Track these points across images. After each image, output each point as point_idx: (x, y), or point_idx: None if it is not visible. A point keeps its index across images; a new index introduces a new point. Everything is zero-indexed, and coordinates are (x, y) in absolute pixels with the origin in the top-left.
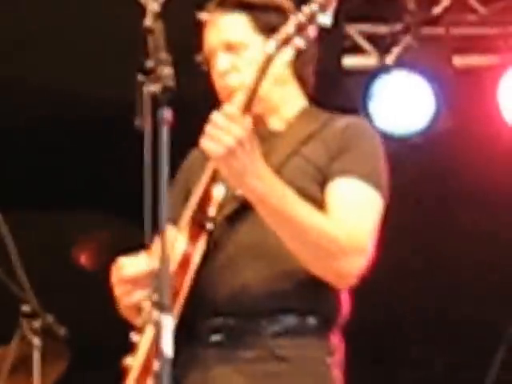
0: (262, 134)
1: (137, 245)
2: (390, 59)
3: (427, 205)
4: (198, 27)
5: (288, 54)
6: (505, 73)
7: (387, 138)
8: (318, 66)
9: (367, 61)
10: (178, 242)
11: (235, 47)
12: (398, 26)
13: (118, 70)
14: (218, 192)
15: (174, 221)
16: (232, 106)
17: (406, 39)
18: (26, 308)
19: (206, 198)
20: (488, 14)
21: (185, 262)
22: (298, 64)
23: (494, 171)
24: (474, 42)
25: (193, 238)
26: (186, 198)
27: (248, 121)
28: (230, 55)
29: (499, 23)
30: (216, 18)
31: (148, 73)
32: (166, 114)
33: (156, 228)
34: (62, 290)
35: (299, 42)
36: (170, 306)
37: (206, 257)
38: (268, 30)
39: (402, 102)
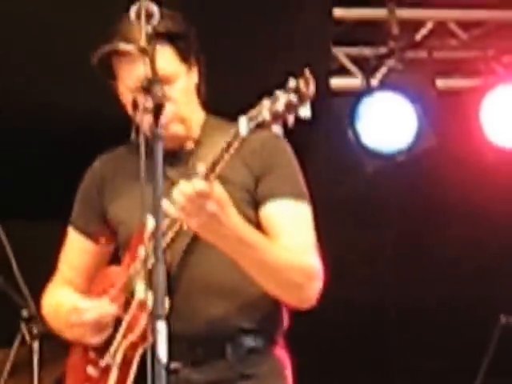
0: (177, 154)
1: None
2: (375, 81)
3: (412, 219)
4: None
5: (195, 77)
6: (486, 94)
7: (374, 155)
8: None
9: (353, 82)
10: (137, 287)
11: (167, 79)
12: (383, 50)
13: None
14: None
15: (77, 225)
16: (200, 182)
17: (391, 62)
18: (25, 313)
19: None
20: (469, 39)
21: (141, 306)
22: (199, 83)
23: (475, 188)
24: (456, 65)
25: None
26: (93, 209)
27: (219, 190)
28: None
29: (480, 47)
30: (144, 50)
31: (143, 91)
32: (161, 130)
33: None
34: None
35: (275, 128)
36: (164, 314)
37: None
38: (186, 58)
39: (387, 122)
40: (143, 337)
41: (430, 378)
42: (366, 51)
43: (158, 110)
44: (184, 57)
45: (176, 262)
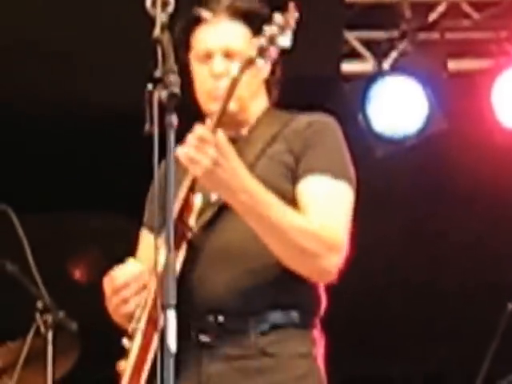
0: (234, 141)
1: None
2: (386, 64)
3: (423, 202)
4: (193, 23)
5: (266, 69)
6: (498, 76)
7: (384, 139)
8: (318, 72)
9: (365, 66)
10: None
11: (233, 55)
12: (395, 33)
13: (127, 78)
14: (197, 201)
15: (151, 228)
16: (202, 128)
17: (403, 45)
18: (40, 304)
19: (185, 208)
20: (481, 20)
21: None
22: (272, 79)
23: (487, 171)
24: (468, 46)
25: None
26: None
27: (221, 138)
28: (227, 61)
29: (492, 28)
30: (219, 21)
31: (156, 81)
32: (173, 119)
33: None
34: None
35: (261, 63)
36: (173, 302)
37: (187, 264)
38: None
39: (398, 106)
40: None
41: (436, 363)
42: (378, 35)
43: (171, 100)
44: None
45: (202, 233)
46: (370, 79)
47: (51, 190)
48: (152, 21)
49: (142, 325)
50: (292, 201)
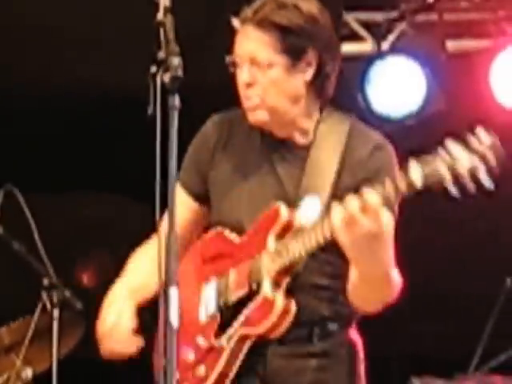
0: (288, 145)
1: (142, 224)
2: (385, 45)
3: None
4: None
5: (307, 74)
6: (496, 56)
7: (383, 120)
8: None
9: (364, 47)
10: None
11: (259, 64)
12: (394, 14)
13: (129, 60)
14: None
15: (185, 184)
16: (375, 198)
17: (401, 26)
18: (46, 281)
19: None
20: (480, 0)
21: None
22: (318, 80)
23: None
24: (467, 27)
25: (277, 281)
26: (200, 172)
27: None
28: (254, 69)
29: (490, 8)
30: (248, 30)
31: (159, 64)
32: (176, 101)
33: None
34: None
35: (453, 190)
36: (175, 279)
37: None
38: (293, 51)
39: (397, 86)
40: (265, 333)
41: (434, 340)
42: (377, 16)
43: (173, 83)
44: (289, 49)
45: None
46: (369, 60)
47: (58, 170)
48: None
49: (232, 345)
50: None
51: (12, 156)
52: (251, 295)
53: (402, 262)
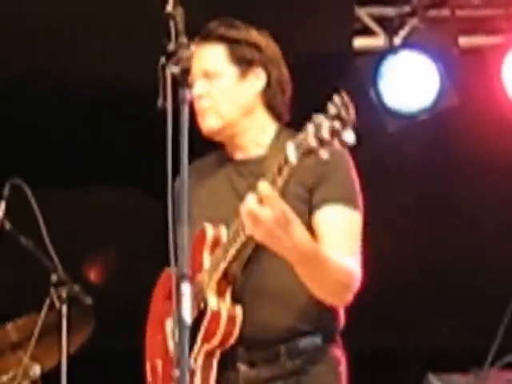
0: (243, 160)
1: (152, 220)
2: (397, 40)
3: (434, 178)
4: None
5: (256, 86)
6: (508, 52)
7: (396, 115)
8: (330, 48)
9: (376, 42)
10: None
11: (210, 75)
12: (406, 9)
13: (139, 52)
14: (223, 233)
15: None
16: (265, 186)
17: (413, 21)
18: (54, 277)
19: (234, 258)
20: None
21: (215, 317)
22: (268, 94)
23: (497, 146)
24: (479, 23)
25: (220, 292)
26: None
27: (278, 199)
28: (206, 82)
29: (503, 5)
30: (199, 48)
31: (169, 56)
32: (187, 94)
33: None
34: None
35: (323, 153)
36: (188, 275)
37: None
38: (241, 62)
39: (409, 81)
40: (220, 344)
41: (449, 336)
42: (389, 10)
43: (184, 74)
44: (237, 60)
45: (240, 271)
46: (381, 55)
47: (67, 164)
48: None
49: (200, 364)
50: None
51: (20, 150)
52: (203, 314)
53: (419, 258)
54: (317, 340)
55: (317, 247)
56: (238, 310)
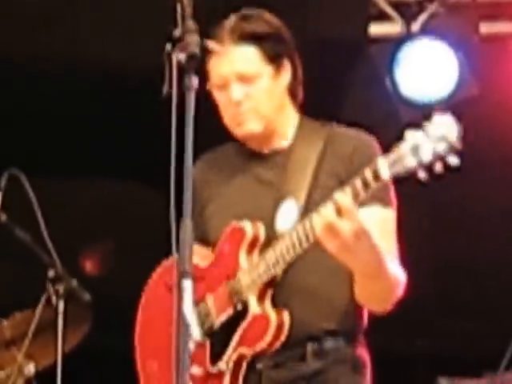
0: (268, 152)
1: (152, 211)
2: (416, 27)
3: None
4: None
5: (286, 79)
6: None
7: (412, 104)
8: (346, 34)
9: (393, 28)
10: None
11: (248, 78)
12: None
13: (144, 38)
14: (261, 232)
15: (200, 238)
16: (347, 200)
17: (432, 7)
18: (51, 273)
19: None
20: None
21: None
22: (293, 85)
23: None
24: (501, 9)
25: (261, 295)
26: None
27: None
28: (243, 85)
29: None
30: (227, 49)
31: (176, 42)
32: (193, 81)
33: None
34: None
35: (421, 175)
36: (190, 271)
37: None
38: (274, 60)
39: (427, 70)
40: (263, 350)
41: (462, 339)
42: None
43: (190, 62)
44: (270, 58)
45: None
46: (398, 42)
47: (65, 154)
48: None
49: (231, 367)
50: None
51: (17, 140)
52: (238, 316)
53: (433, 263)
54: (343, 340)
55: (384, 261)
56: (286, 316)
